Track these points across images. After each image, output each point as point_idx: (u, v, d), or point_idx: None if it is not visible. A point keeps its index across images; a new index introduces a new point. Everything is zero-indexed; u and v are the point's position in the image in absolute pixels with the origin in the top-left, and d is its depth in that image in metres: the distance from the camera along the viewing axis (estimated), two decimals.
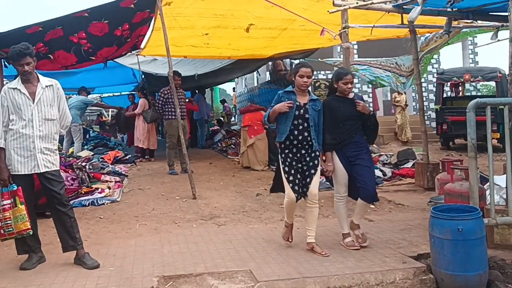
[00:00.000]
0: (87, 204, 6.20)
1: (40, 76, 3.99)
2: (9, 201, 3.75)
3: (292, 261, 3.93)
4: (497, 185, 4.47)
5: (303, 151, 4.11)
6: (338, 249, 4.21)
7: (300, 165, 4.13)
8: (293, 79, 4.16)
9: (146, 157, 10.91)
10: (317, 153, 4.18)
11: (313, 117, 4.10)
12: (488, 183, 4.35)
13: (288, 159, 4.11)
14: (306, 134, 4.08)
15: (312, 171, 4.13)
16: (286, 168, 4.11)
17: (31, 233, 3.82)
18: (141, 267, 3.87)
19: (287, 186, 4.12)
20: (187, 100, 10.72)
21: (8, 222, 3.74)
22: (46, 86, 3.96)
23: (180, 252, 4.26)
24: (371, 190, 4.18)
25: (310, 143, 4.09)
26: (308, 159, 4.13)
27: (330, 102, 4.32)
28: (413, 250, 4.12)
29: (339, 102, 4.26)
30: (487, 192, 4.44)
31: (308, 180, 4.14)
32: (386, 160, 9.06)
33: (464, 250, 3.45)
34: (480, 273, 3.49)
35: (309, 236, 4.20)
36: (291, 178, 4.09)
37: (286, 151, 4.12)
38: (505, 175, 4.35)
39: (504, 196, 4.32)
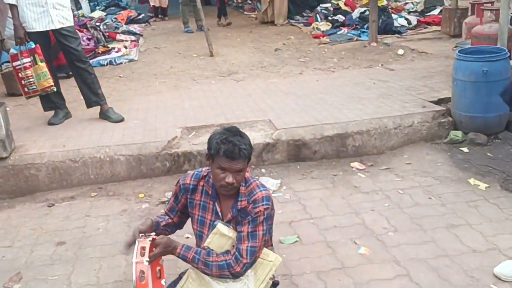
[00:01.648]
0: (105, 64, 6.23)
1: None
2: (29, 59, 3.73)
3: (311, 110, 3.96)
4: None
5: None
6: (356, 97, 4.21)
7: None
8: None
9: (159, 16, 10.59)
10: None
11: None
12: None
13: None
14: None
15: None
16: None
17: (54, 89, 3.88)
18: (163, 120, 3.98)
19: None
20: None
21: (31, 80, 3.78)
22: None
23: (201, 106, 4.34)
24: None
25: None
26: None
27: None
28: (434, 96, 4.08)
29: None
30: None
31: None
32: (412, 8, 8.54)
33: (486, 92, 3.40)
34: (500, 114, 3.50)
35: None
36: None
37: None
38: None
39: None
